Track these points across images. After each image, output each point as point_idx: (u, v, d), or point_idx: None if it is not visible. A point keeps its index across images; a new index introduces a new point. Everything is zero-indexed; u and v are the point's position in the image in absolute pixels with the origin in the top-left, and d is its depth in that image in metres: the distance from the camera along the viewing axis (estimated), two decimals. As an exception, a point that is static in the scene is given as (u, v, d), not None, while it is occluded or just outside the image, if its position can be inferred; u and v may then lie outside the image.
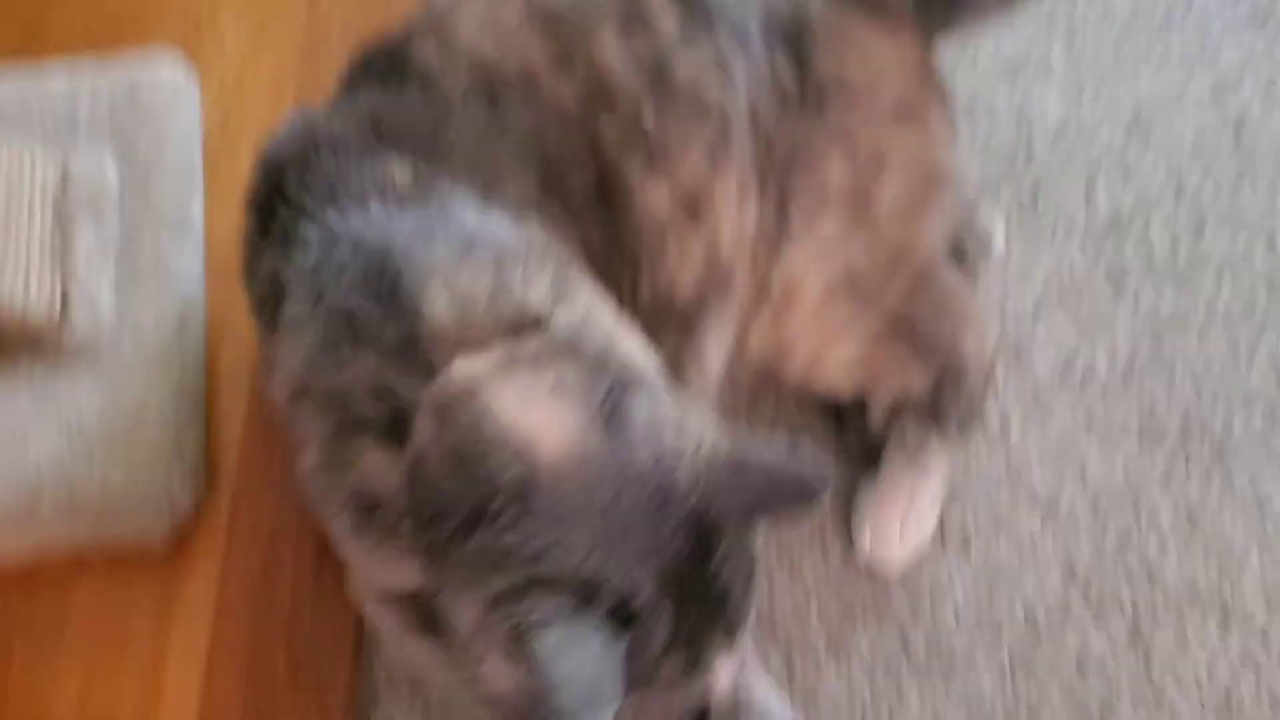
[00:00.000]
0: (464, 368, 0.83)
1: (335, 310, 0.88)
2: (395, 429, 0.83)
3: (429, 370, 0.83)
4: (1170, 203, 1.39)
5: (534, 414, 0.79)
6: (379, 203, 0.94)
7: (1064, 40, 1.50)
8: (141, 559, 1.15)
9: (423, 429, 0.81)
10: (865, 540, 1.18)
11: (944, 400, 1.14)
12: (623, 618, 0.75)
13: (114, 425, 1.14)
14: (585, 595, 0.74)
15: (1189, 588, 1.16)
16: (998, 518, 1.20)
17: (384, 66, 1.06)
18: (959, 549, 1.18)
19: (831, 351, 1.12)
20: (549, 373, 0.81)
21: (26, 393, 1.15)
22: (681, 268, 1.05)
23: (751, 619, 0.83)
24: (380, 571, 0.91)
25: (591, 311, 0.91)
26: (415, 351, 0.84)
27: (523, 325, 0.85)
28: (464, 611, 0.79)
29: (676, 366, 1.06)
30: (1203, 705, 1.10)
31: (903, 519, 1.17)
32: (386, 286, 0.87)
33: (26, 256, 1.16)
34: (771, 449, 0.80)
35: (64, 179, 1.24)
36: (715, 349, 1.08)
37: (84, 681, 1.10)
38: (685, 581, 0.77)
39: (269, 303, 0.96)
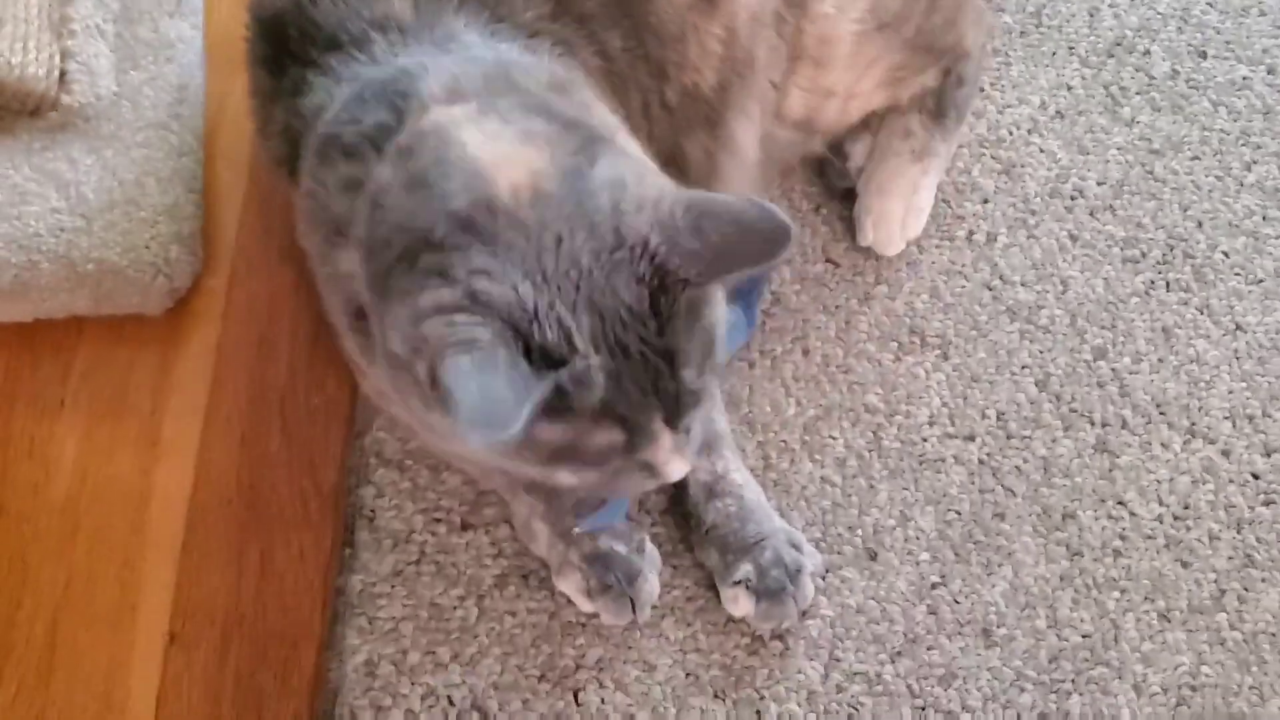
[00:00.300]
0: (438, 114, 0.83)
1: (327, 131, 0.88)
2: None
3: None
4: (1174, 28, 1.38)
5: (499, 150, 0.79)
6: (382, 41, 0.93)
7: None
8: (140, 327, 1.18)
9: (383, 169, 0.81)
10: (868, 229, 1.22)
11: (948, 92, 1.22)
12: (552, 360, 0.74)
13: (112, 197, 1.16)
14: (512, 325, 0.74)
15: (1158, 403, 1.19)
16: (978, 326, 1.22)
17: None
18: (937, 354, 1.21)
19: (863, 85, 1.17)
20: (520, 123, 0.82)
21: (25, 161, 1.17)
22: (702, 61, 1.06)
23: (708, 406, 0.83)
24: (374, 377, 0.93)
25: (590, 103, 0.91)
26: (399, 124, 0.84)
27: (502, 94, 0.86)
28: (396, 336, 0.78)
29: (711, 163, 1.10)
30: (1161, 513, 1.14)
31: (906, 207, 1.22)
32: (378, 88, 0.87)
33: (25, 20, 1.17)
34: (735, 202, 0.79)
35: (63, -52, 1.23)
36: (745, 134, 1.10)
37: (83, 440, 1.14)
38: (630, 339, 0.76)
39: (288, 156, 0.96)
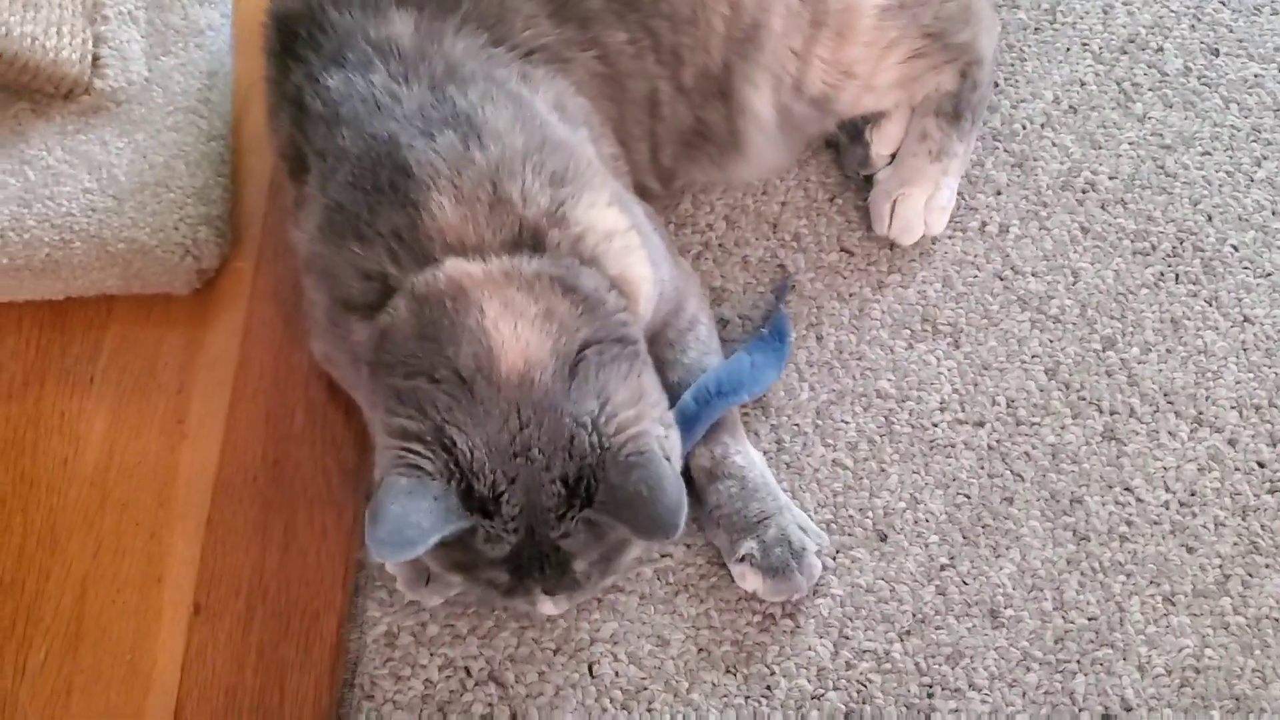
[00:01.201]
0: (457, 267, 0.92)
1: (338, 200, 0.95)
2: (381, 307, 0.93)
3: (423, 260, 0.93)
4: (1187, 26, 1.40)
5: (513, 332, 0.90)
6: (382, 71, 0.99)
7: None
8: (168, 307, 1.21)
9: (398, 308, 0.92)
10: (886, 217, 1.25)
11: (964, 95, 1.25)
12: (479, 509, 0.88)
13: (142, 179, 1.18)
14: (456, 473, 0.88)
15: (1165, 392, 1.21)
16: (989, 315, 1.24)
17: None
18: (949, 342, 1.23)
19: (881, 73, 1.21)
20: (542, 301, 0.91)
21: (58, 143, 1.20)
22: (709, 42, 1.12)
23: (585, 593, 0.98)
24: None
25: (585, 235, 0.97)
26: (412, 241, 0.93)
27: (520, 243, 0.94)
28: (378, 430, 0.93)
29: (730, 127, 1.17)
30: (1167, 499, 1.16)
31: (927, 204, 1.24)
32: (389, 179, 0.94)
33: (60, 6, 1.20)
34: (664, 496, 0.88)
35: (96, -65, 1.25)
36: (759, 99, 1.17)
37: (111, 416, 1.17)
38: (540, 527, 0.90)
39: (290, 159, 1.04)
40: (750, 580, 1.07)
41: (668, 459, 0.92)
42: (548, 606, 0.96)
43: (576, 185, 0.97)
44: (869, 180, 1.28)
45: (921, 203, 1.25)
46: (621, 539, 0.94)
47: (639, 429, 0.91)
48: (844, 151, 1.30)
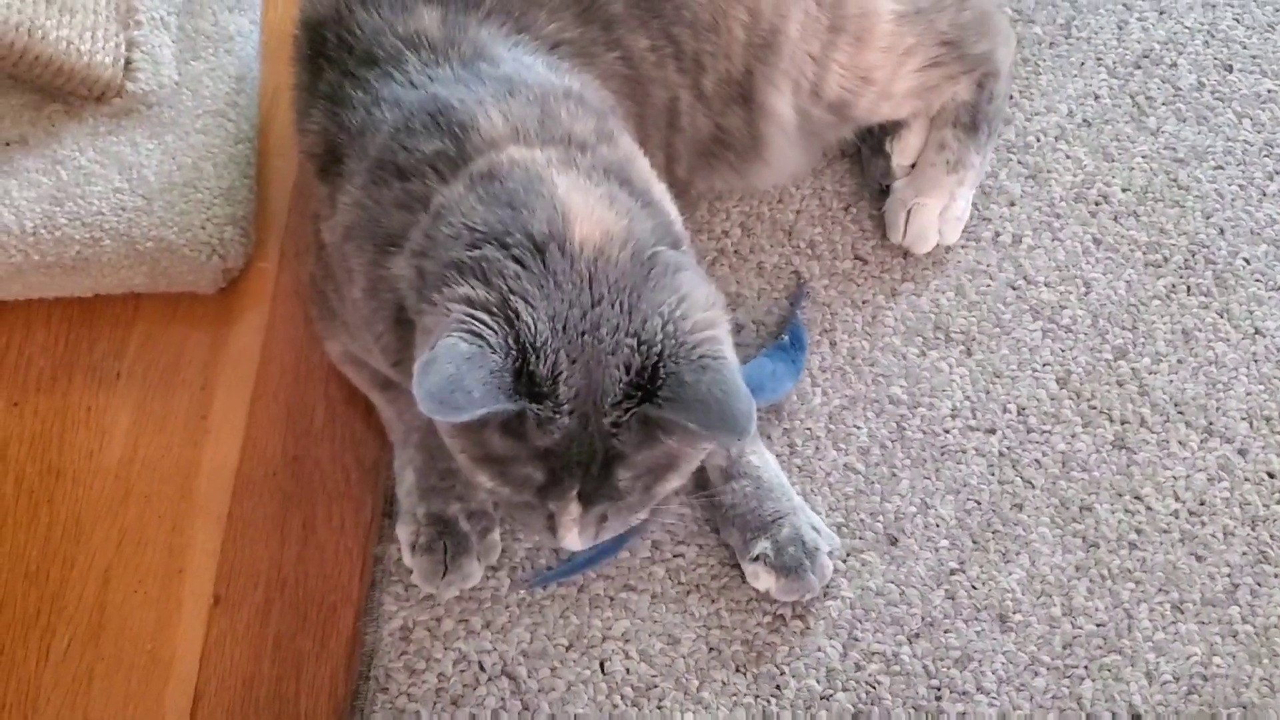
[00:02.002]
0: (517, 152, 0.89)
1: (377, 156, 0.95)
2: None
3: (469, 163, 0.90)
4: (1201, 43, 1.42)
5: (584, 203, 0.86)
6: (415, 60, 0.99)
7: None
8: (194, 305, 1.23)
9: (452, 190, 0.88)
10: (901, 225, 1.27)
11: (981, 106, 1.27)
12: (529, 391, 0.82)
13: (171, 179, 1.21)
14: (520, 345, 0.81)
15: (1176, 403, 1.22)
16: (1001, 324, 1.25)
17: None
18: (961, 350, 1.24)
19: (898, 80, 1.22)
20: (604, 186, 0.89)
21: (90, 144, 1.23)
22: (730, 49, 1.13)
23: (618, 515, 0.90)
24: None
25: (634, 158, 0.97)
26: (460, 155, 0.91)
27: (570, 146, 0.92)
28: (430, 309, 0.85)
29: (752, 131, 1.18)
30: (1176, 508, 1.17)
31: (943, 214, 1.26)
32: (431, 121, 0.93)
33: (94, 11, 1.23)
34: (732, 394, 0.83)
35: (131, -57, 1.29)
36: (781, 101, 1.18)
37: (136, 411, 1.19)
38: (595, 418, 0.83)
39: (321, 156, 1.04)
40: (763, 579, 1.09)
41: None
42: (573, 530, 0.90)
43: (616, 126, 0.98)
44: (886, 190, 1.30)
45: (936, 213, 1.26)
46: (671, 454, 0.88)
47: (714, 333, 0.86)
48: (866, 163, 1.32)
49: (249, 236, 1.23)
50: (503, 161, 0.89)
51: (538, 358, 0.81)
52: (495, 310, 0.82)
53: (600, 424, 0.84)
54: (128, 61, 1.24)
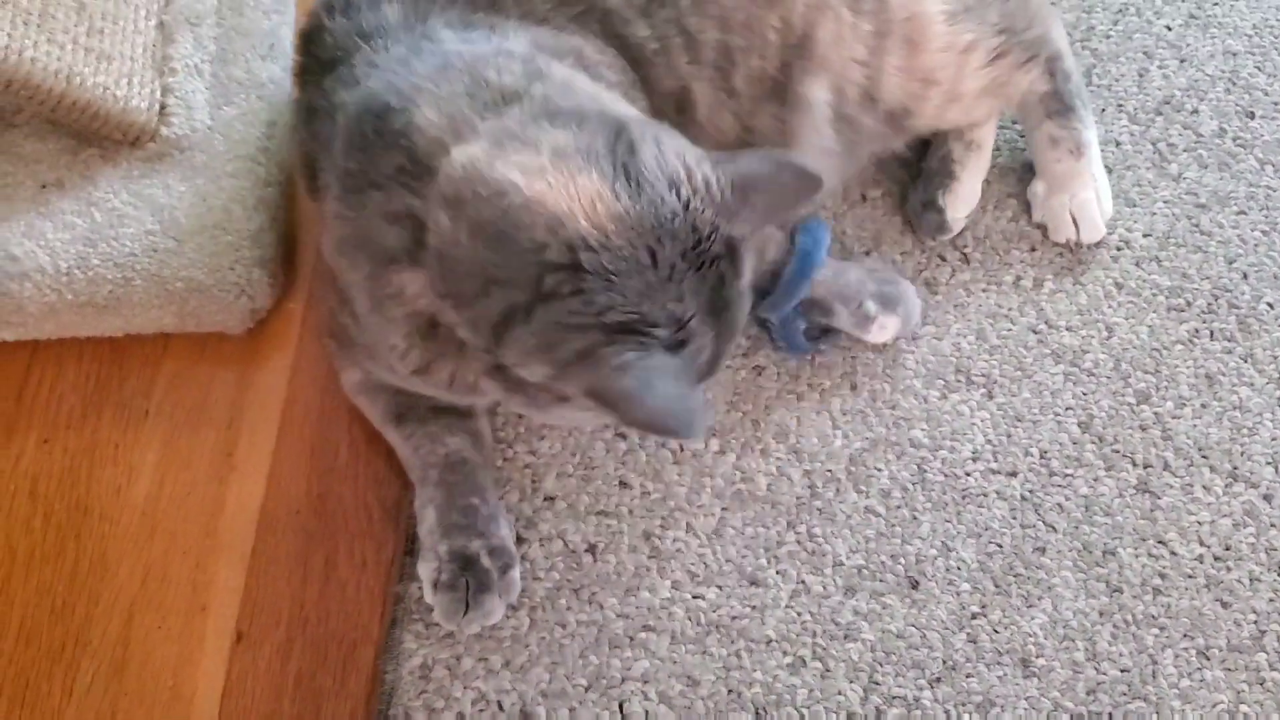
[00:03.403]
0: (460, 155, 0.87)
1: (345, 166, 0.95)
2: (421, 244, 0.88)
3: (432, 173, 0.88)
4: (1222, 89, 1.42)
5: (551, 185, 0.83)
6: (363, 52, 1.01)
7: (1134, -74, 1.53)
8: (221, 345, 1.25)
9: (439, 221, 0.86)
10: (1070, 229, 1.29)
11: (1060, 85, 1.28)
12: (676, 344, 0.85)
13: (202, 221, 1.23)
14: (646, 336, 0.83)
15: (1200, 447, 1.21)
16: (1023, 367, 1.25)
17: None
18: (982, 393, 1.24)
19: (965, 79, 1.23)
20: (546, 144, 0.85)
21: (124, 187, 1.25)
22: (765, 49, 1.13)
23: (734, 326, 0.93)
24: (435, 378, 1.00)
25: (570, 80, 0.96)
26: (418, 167, 0.89)
27: (500, 104, 0.90)
28: (534, 373, 0.87)
29: (783, 128, 1.17)
30: (1201, 553, 1.16)
31: (1096, 195, 1.29)
32: (375, 127, 0.92)
33: (131, 58, 1.26)
34: (768, 166, 0.90)
35: (168, -6, 1.32)
36: (814, 91, 1.17)
37: (164, 449, 1.21)
38: (714, 308, 0.87)
39: (304, 170, 1.07)
40: (889, 326, 1.21)
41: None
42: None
43: (544, 62, 0.96)
44: (911, 227, 1.32)
45: (1094, 199, 1.28)
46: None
47: (708, 171, 0.87)
48: (917, 218, 1.31)
49: (277, 278, 1.25)
50: (456, 178, 0.86)
51: (663, 329, 0.84)
52: (603, 341, 0.83)
53: (725, 298, 0.89)
54: (162, 107, 1.27)
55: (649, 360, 0.83)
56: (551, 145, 0.85)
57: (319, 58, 1.06)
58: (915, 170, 1.34)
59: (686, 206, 0.85)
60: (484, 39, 1.00)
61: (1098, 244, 1.32)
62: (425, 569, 1.11)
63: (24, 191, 1.23)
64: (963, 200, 1.29)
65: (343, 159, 0.95)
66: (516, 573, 1.12)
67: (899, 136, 1.27)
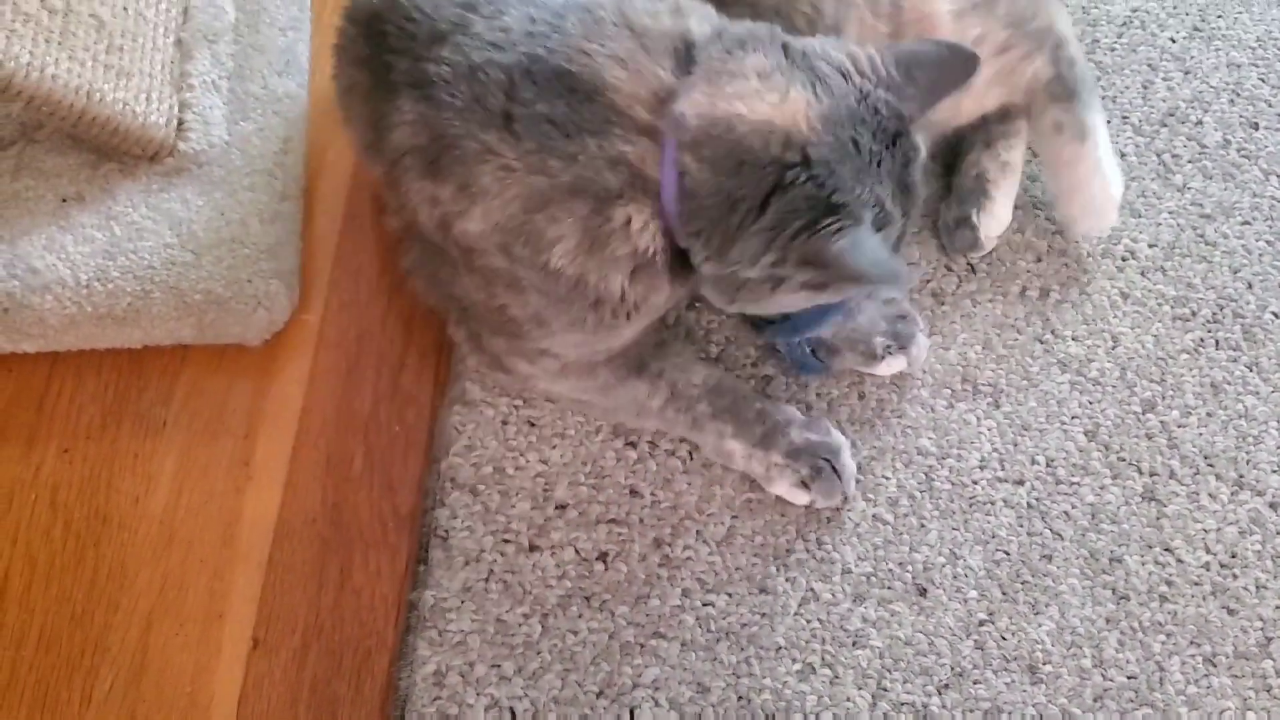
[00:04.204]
0: (685, 108, 0.97)
1: (533, 123, 0.99)
2: (638, 187, 0.99)
3: (644, 129, 0.98)
4: (1226, 101, 1.44)
5: (772, 106, 0.96)
6: (480, 19, 1.03)
7: (1138, -59, 1.55)
8: (238, 357, 1.27)
9: (686, 164, 0.97)
10: (1081, 221, 1.32)
11: (1065, 74, 1.30)
12: (879, 223, 0.98)
13: (219, 235, 1.25)
14: (859, 213, 0.96)
15: (1206, 455, 1.22)
16: (1029, 377, 1.27)
17: None
18: (989, 402, 1.25)
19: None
20: (745, 72, 0.98)
21: (143, 201, 1.27)
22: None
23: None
24: (608, 337, 1.10)
25: (686, 6, 1.05)
26: (621, 119, 0.98)
27: (679, 51, 1.00)
28: (758, 266, 0.98)
29: None
30: (1208, 560, 1.17)
31: (1101, 183, 1.30)
32: (561, 86, 0.99)
33: (150, 74, 1.28)
34: (928, 46, 1.03)
35: (185, 11, 1.35)
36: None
37: (182, 458, 1.23)
38: (903, 185, 1.01)
39: (426, 146, 1.04)
40: (897, 363, 1.24)
41: None
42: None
43: None
44: (939, 242, 1.35)
45: (1101, 187, 1.30)
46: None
47: (871, 53, 1.01)
48: (949, 234, 1.33)
49: (293, 290, 1.27)
50: (696, 127, 0.97)
51: (869, 209, 0.98)
52: (830, 212, 0.96)
53: (910, 178, 1.02)
54: (180, 122, 1.29)
55: (860, 232, 0.95)
56: (755, 70, 0.97)
57: (410, 31, 1.06)
58: (944, 186, 1.35)
59: (862, 91, 0.98)
60: None
61: (1103, 254, 1.33)
62: (783, 483, 1.17)
63: (45, 205, 1.25)
64: (996, 219, 1.31)
65: (528, 118, 0.99)
66: (832, 428, 1.20)
67: (922, 130, 1.28)
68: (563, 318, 1.08)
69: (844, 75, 0.99)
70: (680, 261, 1.04)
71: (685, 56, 1.00)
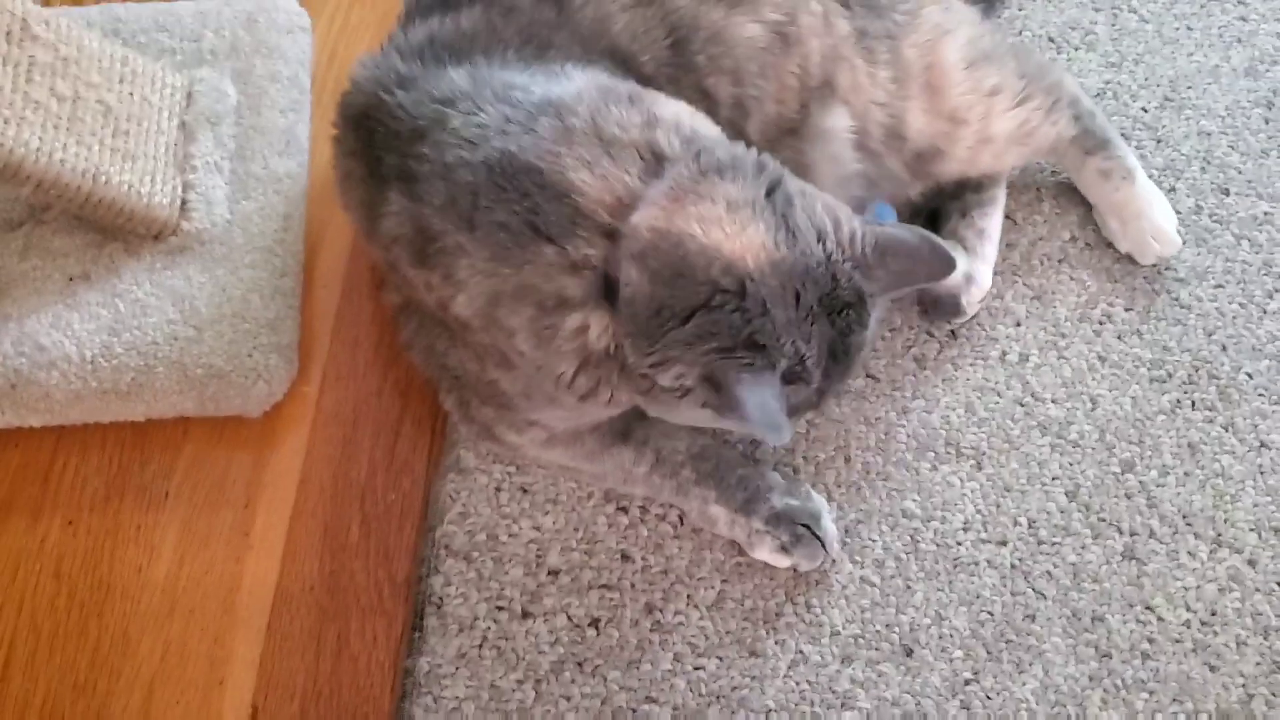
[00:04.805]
0: (641, 219, 0.98)
1: (495, 222, 1.02)
2: (598, 289, 1.00)
3: (606, 231, 0.99)
4: (1198, 168, 1.48)
5: (728, 235, 0.97)
6: (458, 115, 1.07)
7: (1109, 15, 1.60)
8: (239, 429, 1.30)
9: (629, 273, 0.98)
10: (1154, 249, 1.37)
11: (1088, 124, 1.38)
12: (791, 378, 0.99)
13: (221, 311, 1.29)
14: (773, 360, 0.97)
15: (1184, 514, 1.25)
16: (1010, 440, 1.30)
17: None
18: (972, 465, 1.28)
19: (995, 119, 1.31)
20: (714, 197, 0.99)
21: (147, 279, 1.31)
22: (783, 94, 1.21)
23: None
24: (591, 411, 1.12)
25: (679, 120, 1.06)
26: (585, 221, 1.00)
27: (649, 163, 1.01)
28: (671, 375, 0.99)
29: (800, 160, 1.23)
30: (1188, 618, 1.19)
31: (1162, 210, 1.37)
32: (527, 184, 1.01)
33: (154, 157, 1.32)
34: (909, 237, 1.03)
35: (189, 95, 1.40)
36: (833, 121, 1.24)
37: (183, 529, 1.26)
38: (834, 353, 1.01)
39: (411, 237, 1.09)
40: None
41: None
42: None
43: (646, 96, 1.07)
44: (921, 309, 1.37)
45: (1160, 212, 1.36)
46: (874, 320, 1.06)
47: (855, 227, 1.02)
48: (932, 302, 1.35)
49: (293, 363, 1.31)
50: (643, 237, 0.98)
51: (787, 360, 0.99)
52: (745, 352, 0.97)
53: (844, 347, 1.03)
54: (184, 202, 1.34)
55: (764, 376, 0.97)
56: (725, 198, 0.99)
57: (394, 129, 1.10)
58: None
59: (829, 257, 1.00)
60: (557, 80, 1.09)
61: (1080, 318, 1.37)
62: (764, 548, 1.19)
63: (52, 284, 1.29)
64: (978, 285, 1.35)
65: (488, 219, 1.02)
66: (812, 491, 1.23)
67: (919, 181, 1.33)
68: (539, 394, 1.11)
69: (819, 236, 1.00)
70: None
71: (653, 165, 1.01)
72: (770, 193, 1.00)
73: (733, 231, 0.97)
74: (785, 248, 0.98)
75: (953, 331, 1.37)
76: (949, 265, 1.04)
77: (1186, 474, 1.27)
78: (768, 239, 0.98)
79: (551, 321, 1.02)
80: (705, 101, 1.17)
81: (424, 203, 1.06)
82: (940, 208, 1.38)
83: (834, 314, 1.00)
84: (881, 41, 1.25)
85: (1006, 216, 1.42)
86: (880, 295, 1.03)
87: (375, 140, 1.12)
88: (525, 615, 1.20)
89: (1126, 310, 1.38)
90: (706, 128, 1.09)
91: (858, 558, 1.23)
